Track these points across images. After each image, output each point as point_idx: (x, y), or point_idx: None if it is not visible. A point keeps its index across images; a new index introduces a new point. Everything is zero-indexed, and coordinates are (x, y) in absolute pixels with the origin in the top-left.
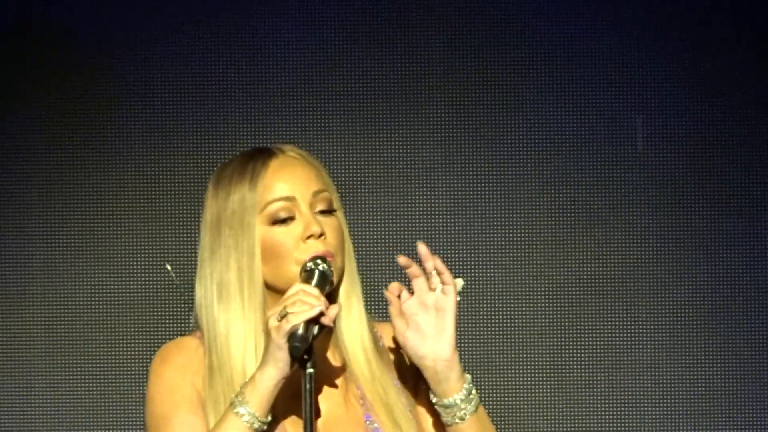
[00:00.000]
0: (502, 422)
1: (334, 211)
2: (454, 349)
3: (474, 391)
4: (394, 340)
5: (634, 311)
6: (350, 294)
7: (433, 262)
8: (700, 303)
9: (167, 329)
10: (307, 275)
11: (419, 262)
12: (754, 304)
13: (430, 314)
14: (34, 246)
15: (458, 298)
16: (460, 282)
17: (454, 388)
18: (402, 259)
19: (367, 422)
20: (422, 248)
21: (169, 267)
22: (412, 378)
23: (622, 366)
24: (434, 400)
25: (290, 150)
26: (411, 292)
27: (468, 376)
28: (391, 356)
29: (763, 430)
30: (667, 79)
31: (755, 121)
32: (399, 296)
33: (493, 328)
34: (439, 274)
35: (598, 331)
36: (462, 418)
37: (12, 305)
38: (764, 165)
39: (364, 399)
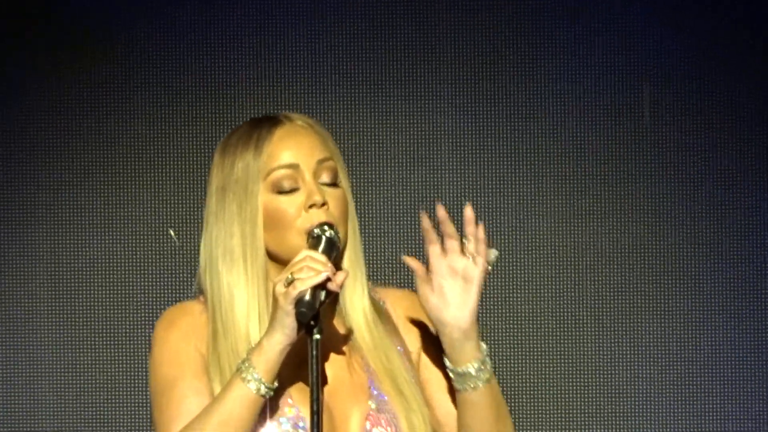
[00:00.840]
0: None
1: (339, 182)
2: (474, 321)
3: (489, 363)
4: (422, 311)
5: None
6: (353, 264)
7: (473, 228)
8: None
9: (170, 294)
10: (314, 241)
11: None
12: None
13: (456, 281)
14: (40, 214)
15: (489, 269)
16: (494, 252)
17: (468, 357)
18: (440, 211)
19: (371, 390)
20: (468, 211)
21: (172, 232)
22: (417, 340)
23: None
24: (448, 365)
25: (297, 118)
26: (426, 265)
27: (484, 347)
28: (395, 322)
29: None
30: (675, 46)
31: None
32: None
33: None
34: (476, 241)
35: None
36: (474, 387)
37: (16, 282)
38: None
39: (368, 367)
